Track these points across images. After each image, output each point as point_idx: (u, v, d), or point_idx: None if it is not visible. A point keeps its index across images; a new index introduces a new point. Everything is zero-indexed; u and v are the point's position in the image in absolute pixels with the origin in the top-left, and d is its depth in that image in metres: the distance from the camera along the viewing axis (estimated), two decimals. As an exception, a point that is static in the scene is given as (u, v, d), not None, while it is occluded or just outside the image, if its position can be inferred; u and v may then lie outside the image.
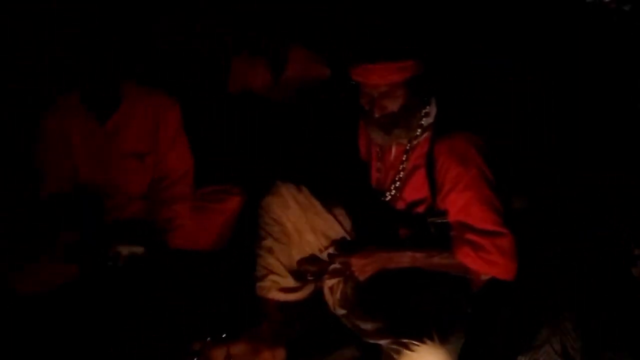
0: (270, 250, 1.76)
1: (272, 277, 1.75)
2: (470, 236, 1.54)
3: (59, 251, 1.82)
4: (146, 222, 1.91)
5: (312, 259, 1.81)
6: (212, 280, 1.92)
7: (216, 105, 2.42)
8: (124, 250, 1.81)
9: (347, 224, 1.83)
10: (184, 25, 2.64)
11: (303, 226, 1.79)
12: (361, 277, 1.64)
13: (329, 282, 1.77)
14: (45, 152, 1.92)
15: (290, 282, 1.76)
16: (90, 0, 1.99)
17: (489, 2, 2.76)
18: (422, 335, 1.43)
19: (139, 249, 1.83)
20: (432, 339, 1.42)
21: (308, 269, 1.78)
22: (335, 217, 1.82)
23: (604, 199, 2.03)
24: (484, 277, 1.63)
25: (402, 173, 1.70)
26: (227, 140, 2.34)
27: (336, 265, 1.75)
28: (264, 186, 1.85)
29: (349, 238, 1.81)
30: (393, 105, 1.58)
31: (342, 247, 1.78)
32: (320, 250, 1.80)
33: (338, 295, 1.73)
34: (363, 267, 1.63)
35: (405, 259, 1.61)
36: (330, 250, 1.78)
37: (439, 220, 1.64)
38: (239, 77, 2.55)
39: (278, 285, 1.74)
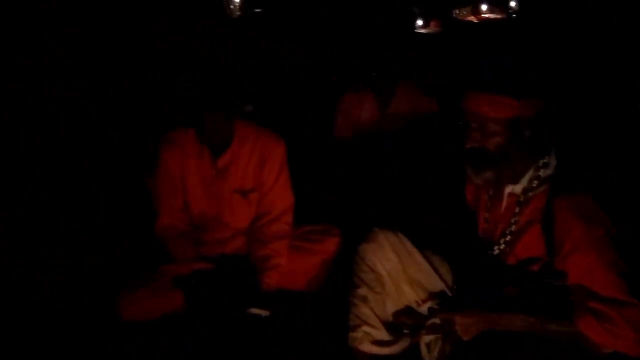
0: (364, 299, 1.69)
1: (365, 327, 1.67)
2: (595, 304, 1.35)
3: (167, 282, 1.91)
4: (248, 261, 1.94)
5: (408, 311, 1.70)
6: (302, 322, 1.90)
7: (322, 143, 2.44)
8: (254, 310, 1.86)
9: (448, 277, 1.71)
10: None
11: (400, 276, 1.70)
12: (465, 337, 1.51)
13: (427, 338, 1.66)
14: (162, 184, 2.05)
15: (384, 334, 1.68)
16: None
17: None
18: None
19: (265, 312, 1.87)
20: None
21: (404, 322, 1.68)
22: (435, 269, 1.71)
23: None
24: (606, 350, 1.41)
25: (513, 227, 1.55)
26: (328, 179, 2.34)
27: (435, 321, 1.63)
28: (360, 230, 1.80)
29: (449, 293, 1.69)
30: (490, 142, 1.45)
31: (441, 301, 1.65)
32: (418, 303, 1.70)
33: (436, 353, 1.61)
34: (468, 326, 1.49)
35: (516, 322, 1.45)
36: (429, 304, 1.67)
37: (557, 283, 1.46)
38: (347, 112, 2.56)
39: (371, 337, 1.66)
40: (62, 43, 2.21)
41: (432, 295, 1.68)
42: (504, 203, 1.57)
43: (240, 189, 2.03)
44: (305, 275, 2.01)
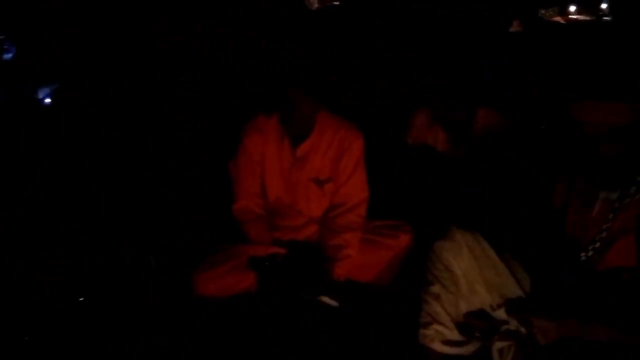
0: (437, 297, 1.67)
1: (436, 326, 1.64)
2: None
3: (242, 262, 1.97)
4: (317, 249, 1.96)
5: (481, 314, 1.66)
6: (370, 315, 1.89)
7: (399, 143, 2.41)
8: (325, 299, 1.89)
9: (526, 284, 1.64)
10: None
11: (475, 277, 1.65)
12: (543, 342, 1.45)
13: (499, 344, 1.61)
14: (242, 168, 2.10)
15: (455, 334, 1.64)
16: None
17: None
18: None
19: (334, 303, 1.89)
20: None
21: (476, 325, 1.63)
22: (513, 273, 1.65)
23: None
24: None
25: (605, 233, 1.47)
26: (403, 174, 2.32)
27: (510, 327, 1.58)
28: (435, 228, 1.76)
29: (525, 298, 1.62)
30: (610, 150, 1.39)
31: (517, 308, 1.59)
32: (492, 307, 1.64)
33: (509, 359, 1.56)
34: (548, 330, 1.43)
35: (599, 331, 1.39)
36: (503, 309, 1.62)
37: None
38: (417, 133, 2.51)
39: (442, 337, 1.64)
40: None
41: (508, 301, 1.63)
42: (597, 208, 1.50)
43: (317, 178, 2.05)
44: (375, 269, 2.00)
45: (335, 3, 3.55)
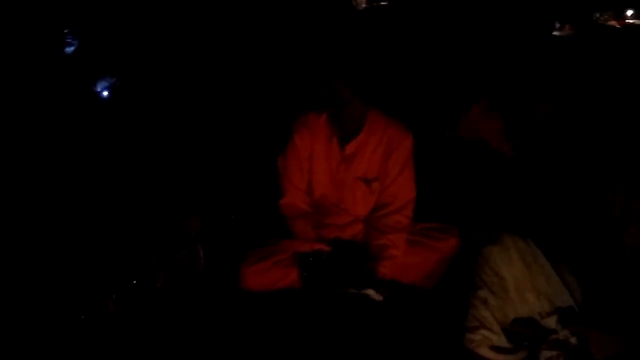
0: (485, 302, 1.65)
1: (483, 331, 1.63)
2: None
3: (287, 257, 2.00)
4: (363, 248, 1.97)
5: (529, 321, 1.63)
6: (417, 315, 1.89)
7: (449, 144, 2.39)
8: (370, 292, 1.90)
9: (578, 295, 1.61)
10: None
11: (525, 284, 1.63)
12: (598, 356, 1.41)
13: (547, 353, 1.59)
14: (290, 164, 2.12)
15: (502, 341, 1.62)
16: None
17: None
18: None
19: (378, 297, 1.91)
20: None
21: (524, 332, 1.61)
22: (565, 282, 1.61)
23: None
24: None
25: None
26: (453, 180, 2.29)
27: (558, 337, 1.55)
28: (484, 232, 1.74)
29: (576, 309, 1.58)
30: None
31: (570, 318, 1.56)
32: (541, 315, 1.62)
33: (555, 370, 1.53)
34: (604, 344, 1.40)
35: None
36: (554, 318, 1.59)
37: None
38: (473, 125, 2.48)
39: (489, 342, 1.62)
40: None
41: (559, 310, 1.60)
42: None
43: (364, 177, 2.06)
44: (420, 270, 1.99)
45: (383, 3, 3.55)
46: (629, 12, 3.65)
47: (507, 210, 2.05)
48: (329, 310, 1.90)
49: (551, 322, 1.60)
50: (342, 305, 1.90)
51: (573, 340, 1.56)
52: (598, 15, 3.67)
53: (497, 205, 2.11)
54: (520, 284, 1.63)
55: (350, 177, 2.07)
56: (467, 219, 2.10)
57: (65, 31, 2.55)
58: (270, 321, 1.88)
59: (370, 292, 1.91)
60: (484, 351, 1.62)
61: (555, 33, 3.50)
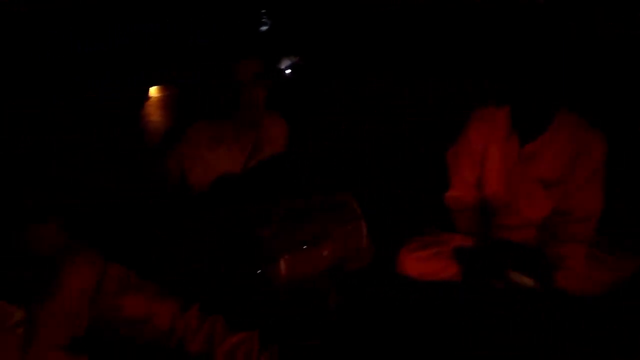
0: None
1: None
2: None
3: (447, 250, 1.98)
4: (540, 253, 1.86)
5: None
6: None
7: None
8: (515, 277, 1.81)
9: None
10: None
11: None
12: None
13: None
14: (462, 157, 2.05)
15: None
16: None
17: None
18: None
19: (529, 281, 1.81)
20: None
21: None
22: None
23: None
24: None
25: None
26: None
27: None
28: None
29: None
30: None
31: None
32: None
33: None
34: None
35: None
36: None
37: None
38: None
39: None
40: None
41: None
42: None
43: (544, 179, 1.92)
44: (594, 287, 1.83)
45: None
46: None
47: None
48: (487, 308, 1.85)
49: None
50: (501, 305, 1.83)
51: None
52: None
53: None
54: None
55: (528, 178, 1.94)
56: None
57: (263, 11, 2.76)
58: (426, 313, 1.88)
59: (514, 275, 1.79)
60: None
61: None
